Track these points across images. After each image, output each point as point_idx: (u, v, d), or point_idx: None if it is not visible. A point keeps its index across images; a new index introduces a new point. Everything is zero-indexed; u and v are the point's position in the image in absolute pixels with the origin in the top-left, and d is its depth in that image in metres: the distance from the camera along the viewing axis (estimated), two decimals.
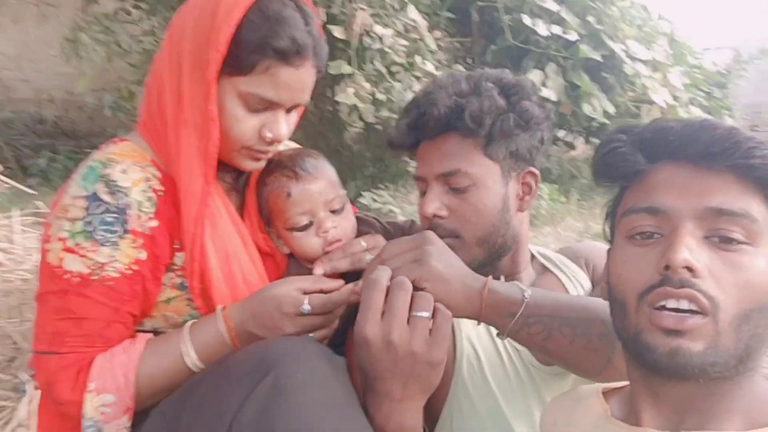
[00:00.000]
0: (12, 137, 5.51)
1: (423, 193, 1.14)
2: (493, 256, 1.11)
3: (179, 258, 1.03)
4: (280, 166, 1.12)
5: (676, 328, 0.70)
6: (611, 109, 4.73)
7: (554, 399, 0.97)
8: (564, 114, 4.65)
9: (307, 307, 0.96)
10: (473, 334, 1.09)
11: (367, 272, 0.96)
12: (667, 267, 0.71)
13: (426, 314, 0.77)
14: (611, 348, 0.87)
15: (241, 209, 1.15)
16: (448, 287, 0.86)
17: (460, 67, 4.72)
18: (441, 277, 0.87)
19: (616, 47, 4.71)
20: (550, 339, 0.90)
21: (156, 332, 1.07)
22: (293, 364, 0.76)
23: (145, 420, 0.92)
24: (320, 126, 4.74)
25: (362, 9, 3.78)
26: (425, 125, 1.09)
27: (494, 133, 1.06)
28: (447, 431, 1.05)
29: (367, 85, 4.29)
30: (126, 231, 0.96)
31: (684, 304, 0.70)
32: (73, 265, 0.94)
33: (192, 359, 0.97)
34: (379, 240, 1.13)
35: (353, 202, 1.12)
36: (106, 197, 0.96)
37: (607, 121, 4.82)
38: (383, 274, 0.81)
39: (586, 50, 4.55)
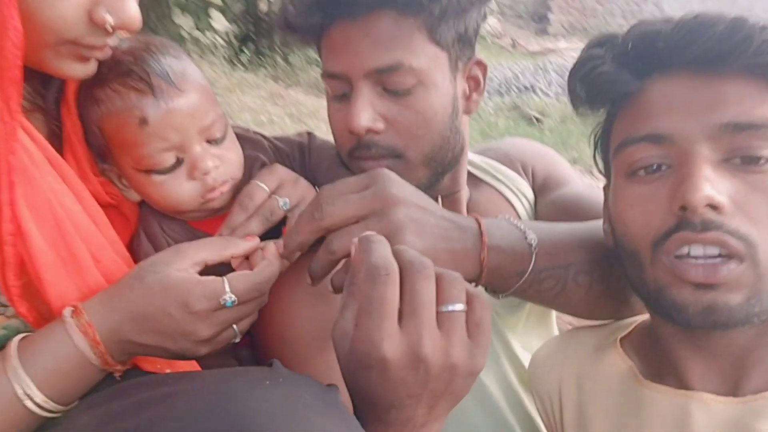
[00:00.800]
0: None
1: (340, 97, 0.81)
2: (438, 176, 0.86)
3: None
4: (121, 72, 0.69)
5: (707, 280, 0.57)
6: None
7: (550, 346, 0.81)
8: None
9: (231, 298, 0.63)
10: None
11: (324, 246, 0.65)
12: (683, 207, 0.57)
13: (461, 306, 0.51)
14: (630, 291, 0.71)
15: (54, 140, 0.71)
16: (436, 262, 0.59)
17: None
18: (426, 253, 0.62)
19: None
20: (563, 293, 0.71)
21: None
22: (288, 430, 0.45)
23: None
24: None
25: None
26: None
27: (448, 9, 0.76)
28: None
29: None
30: None
31: (712, 251, 0.57)
32: None
33: (36, 400, 0.59)
34: (280, 172, 0.79)
35: None
36: None
37: None
38: (386, 253, 0.51)
39: None
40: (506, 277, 0.69)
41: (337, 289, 0.64)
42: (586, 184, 0.97)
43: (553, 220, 0.89)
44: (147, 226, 0.77)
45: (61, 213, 0.64)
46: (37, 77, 0.66)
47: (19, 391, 0.59)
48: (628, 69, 0.64)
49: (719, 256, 0.57)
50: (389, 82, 0.77)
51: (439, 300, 0.51)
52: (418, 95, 0.78)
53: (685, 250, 0.58)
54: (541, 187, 0.97)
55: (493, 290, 0.72)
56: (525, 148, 1.04)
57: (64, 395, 0.61)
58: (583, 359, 0.74)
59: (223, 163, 0.75)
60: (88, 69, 0.65)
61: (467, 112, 0.86)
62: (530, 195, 0.98)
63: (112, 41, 0.64)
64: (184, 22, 3.87)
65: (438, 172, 0.85)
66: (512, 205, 0.95)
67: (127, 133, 0.69)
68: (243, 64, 4.56)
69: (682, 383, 0.65)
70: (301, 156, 0.89)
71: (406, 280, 0.50)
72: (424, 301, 0.49)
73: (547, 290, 0.70)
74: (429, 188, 0.85)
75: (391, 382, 0.49)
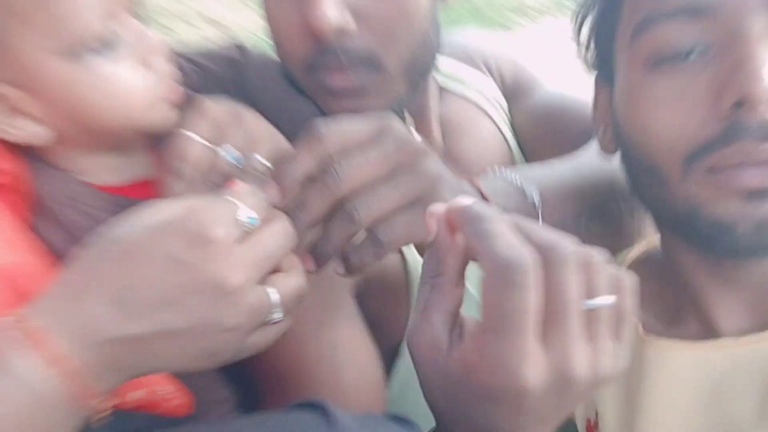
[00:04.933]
0: None
1: None
2: (414, 88, 0.68)
3: None
4: None
5: (764, 185, 0.45)
6: None
7: None
8: None
9: (278, 315, 0.43)
10: None
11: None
12: (739, 103, 0.44)
13: (611, 300, 0.36)
14: (641, 218, 0.64)
15: None
16: None
17: None
18: None
19: None
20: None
21: None
22: None
23: None
24: None
25: None
26: None
27: None
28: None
29: None
30: None
31: None
32: None
33: None
34: (213, 111, 0.54)
35: None
36: None
37: None
38: (517, 243, 0.35)
39: None
40: None
41: (353, 270, 0.49)
42: (563, 80, 0.86)
43: (533, 132, 0.81)
44: (51, 199, 0.53)
45: None
46: None
47: None
48: None
49: None
50: None
51: (585, 293, 0.36)
52: None
53: (735, 168, 0.45)
54: (513, 91, 0.83)
55: None
56: (484, 42, 0.87)
57: None
58: None
59: (167, 55, 0.55)
60: None
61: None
62: (503, 101, 0.84)
63: None
64: None
65: (415, 83, 0.68)
66: (489, 116, 0.81)
67: None
68: None
69: (704, 326, 0.54)
70: (235, 75, 0.67)
71: (548, 274, 0.34)
72: (571, 303, 0.34)
73: None
74: (404, 105, 0.69)
75: (521, 413, 0.36)
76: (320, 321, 0.59)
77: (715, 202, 0.46)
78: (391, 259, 0.69)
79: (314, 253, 0.49)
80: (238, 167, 0.52)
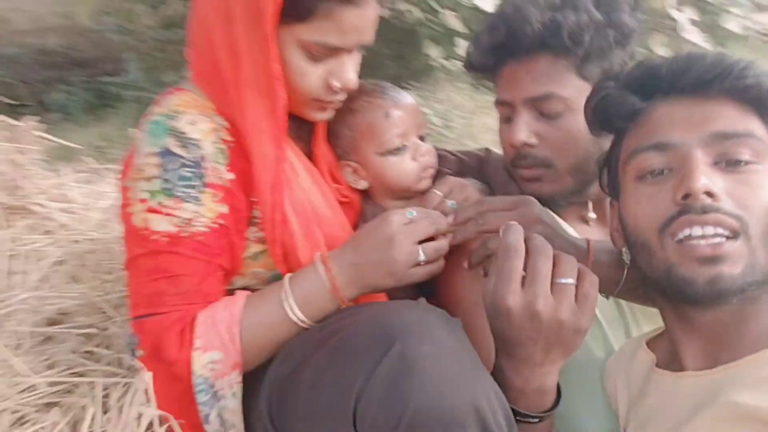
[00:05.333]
0: (22, 72, 5.38)
1: (506, 119, 1.07)
2: (583, 183, 1.05)
3: (258, 212, 0.99)
4: (368, 93, 1.08)
5: (714, 254, 0.70)
6: None
7: (611, 360, 0.96)
8: None
9: (422, 257, 0.90)
10: None
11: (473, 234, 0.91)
12: (686, 196, 0.71)
13: (571, 281, 0.71)
14: None
15: (308, 158, 1.09)
16: None
17: None
18: None
19: None
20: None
21: (249, 290, 1.04)
22: (418, 334, 0.73)
23: (253, 387, 0.92)
24: None
25: None
26: (515, 45, 1.01)
27: (591, 51, 0.98)
28: None
29: None
30: (204, 185, 0.92)
31: (709, 230, 0.70)
32: (160, 225, 0.91)
33: (294, 313, 0.91)
34: (451, 181, 1.06)
35: None
36: (178, 151, 0.92)
37: None
38: (519, 238, 0.73)
39: None
40: (607, 283, 0.86)
41: (486, 274, 0.89)
42: None
43: None
44: (365, 213, 1.12)
45: (313, 207, 1.00)
46: (297, 121, 1.03)
47: (285, 304, 0.90)
48: (634, 94, 0.81)
49: (717, 235, 0.70)
50: (543, 108, 1.00)
51: (555, 274, 0.72)
52: (566, 119, 1.00)
53: (687, 231, 0.71)
54: None
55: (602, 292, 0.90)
56: None
57: (310, 312, 0.90)
58: (628, 362, 0.89)
59: (429, 154, 1.09)
60: (328, 115, 1.03)
61: None
62: None
63: (341, 97, 1.00)
64: (433, 51, 4.34)
65: (583, 181, 1.05)
66: None
67: (375, 125, 1.06)
68: (487, 88, 4.89)
69: (680, 366, 0.77)
70: (479, 165, 1.16)
71: (530, 257, 0.72)
72: (541, 272, 0.71)
73: (643, 295, 0.88)
74: (576, 194, 1.05)
75: (513, 327, 0.72)
76: (477, 304, 0.99)
77: (682, 266, 0.73)
78: None
79: (469, 260, 0.92)
80: (452, 208, 1.00)
